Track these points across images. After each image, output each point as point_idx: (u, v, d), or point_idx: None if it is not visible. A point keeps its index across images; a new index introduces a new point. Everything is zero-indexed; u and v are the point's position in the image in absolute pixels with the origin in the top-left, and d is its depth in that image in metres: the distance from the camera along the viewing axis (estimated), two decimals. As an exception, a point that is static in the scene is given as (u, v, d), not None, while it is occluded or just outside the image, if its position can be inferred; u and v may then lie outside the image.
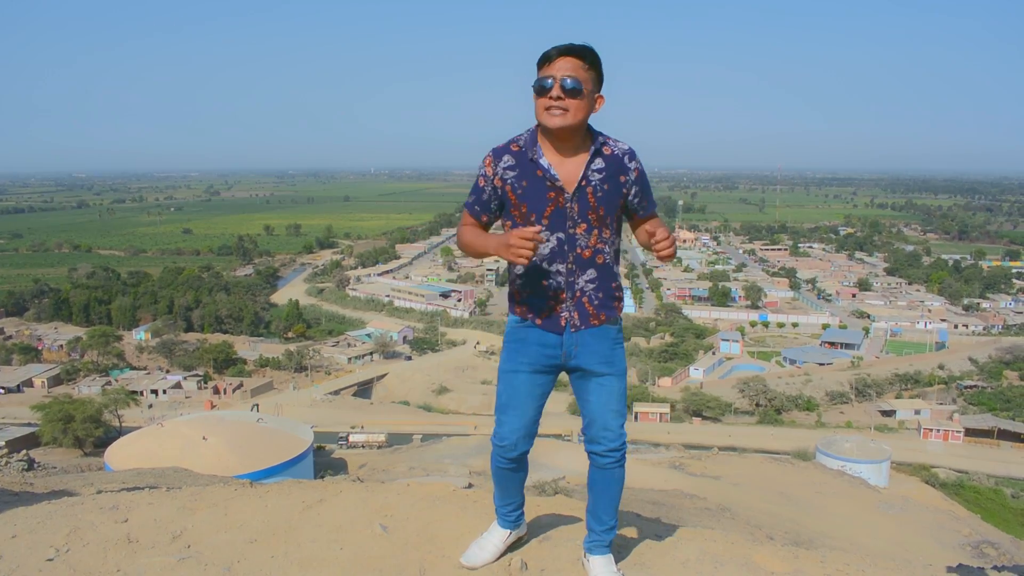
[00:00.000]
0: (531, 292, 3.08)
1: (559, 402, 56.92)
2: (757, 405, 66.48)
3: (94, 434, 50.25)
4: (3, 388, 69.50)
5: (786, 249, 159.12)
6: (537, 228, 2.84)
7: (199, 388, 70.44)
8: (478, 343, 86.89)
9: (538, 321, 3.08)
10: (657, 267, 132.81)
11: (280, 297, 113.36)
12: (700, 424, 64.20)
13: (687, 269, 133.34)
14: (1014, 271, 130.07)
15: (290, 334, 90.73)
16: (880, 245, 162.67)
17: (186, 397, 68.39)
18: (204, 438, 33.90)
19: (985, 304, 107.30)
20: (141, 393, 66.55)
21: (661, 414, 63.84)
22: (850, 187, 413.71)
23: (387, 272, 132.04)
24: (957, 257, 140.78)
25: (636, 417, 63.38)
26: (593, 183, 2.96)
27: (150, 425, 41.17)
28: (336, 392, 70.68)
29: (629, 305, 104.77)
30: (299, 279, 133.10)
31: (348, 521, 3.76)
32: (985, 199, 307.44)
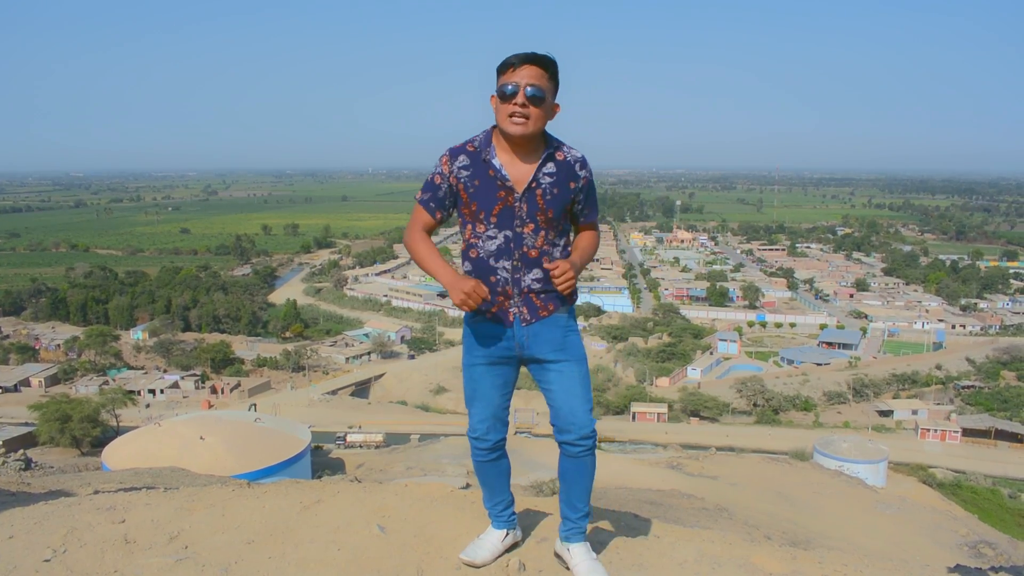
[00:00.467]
0: None
1: (557, 402, 56.84)
2: (755, 405, 66.51)
3: (91, 434, 50.17)
4: (0, 387, 69.40)
5: (784, 249, 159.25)
6: (486, 292, 2.99)
7: (196, 388, 70.37)
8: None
9: (488, 315, 3.16)
10: (655, 267, 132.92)
11: (278, 297, 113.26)
12: (698, 424, 64.22)
13: (685, 269, 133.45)
14: (1011, 271, 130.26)
15: (288, 334, 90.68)
16: (878, 245, 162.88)
17: (183, 397, 68.32)
18: (201, 438, 33.82)
19: (982, 304, 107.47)
20: (138, 393, 66.51)
21: (659, 414, 63.84)
22: (848, 187, 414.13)
23: (385, 272, 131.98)
24: (955, 257, 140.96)
25: (634, 417, 63.45)
26: (543, 185, 3.05)
27: (147, 425, 41.08)
28: (334, 392, 70.63)
29: (627, 305, 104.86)
30: (297, 279, 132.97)
31: (346, 521, 3.76)
32: (983, 199, 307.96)
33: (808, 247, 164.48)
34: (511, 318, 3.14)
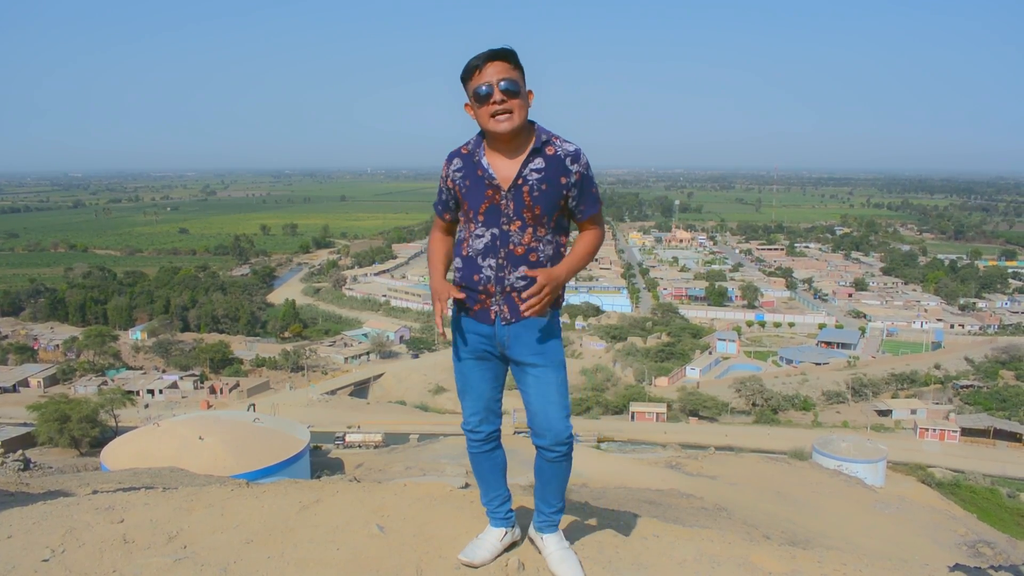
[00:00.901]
0: (466, 283, 3.18)
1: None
2: (753, 405, 66.50)
3: (90, 434, 50.12)
4: (-1, 388, 69.38)
5: (782, 249, 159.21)
6: (443, 324, 3.10)
7: (195, 388, 70.29)
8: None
9: (471, 313, 3.20)
10: (654, 267, 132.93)
11: (277, 297, 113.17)
12: (697, 424, 64.20)
13: (683, 269, 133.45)
14: (1010, 271, 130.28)
15: (287, 334, 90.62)
16: (876, 245, 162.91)
17: (182, 397, 68.24)
18: (200, 438, 33.78)
19: (981, 304, 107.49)
20: (137, 393, 66.44)
21: (658, 414, 63.81)
22: (846, 187, 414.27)
23: (384, 272, 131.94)
24: (953, 257, 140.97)
25: (633, 417, 63.40)
26: (530, 182, 3.03)
27: (146, 425, 41.00)
28: (333, 392, 70.56)
29: (626, 305, 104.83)
30: (296, 279, 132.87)
31: (345, 521, 3.76)
32: (981, 199, 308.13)
33: (807, 247, 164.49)
34: (492, 316, 3.14)
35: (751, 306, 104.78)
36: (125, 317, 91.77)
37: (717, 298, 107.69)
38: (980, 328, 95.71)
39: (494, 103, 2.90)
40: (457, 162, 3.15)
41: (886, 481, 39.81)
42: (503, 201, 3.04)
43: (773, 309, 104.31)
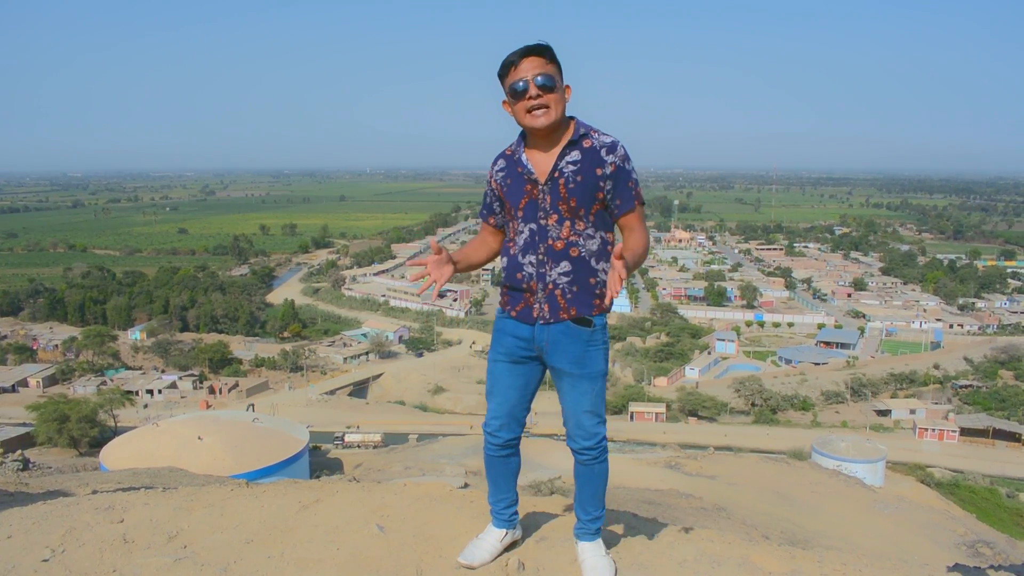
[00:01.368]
0: (510, 283, 3.19)
1: (554, 402, 56.63)
2: (753, 405, 66.52)
3: (89, 434, 50.07)
4: (-2, 388, 69.30)
5: (782, 249, 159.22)
6: (420, 271, 3.07)
7: (195, 388, 70.26)
8: (474, 343, 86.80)
9: (513, 312, 3.18)
10: (653, 267, 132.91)
11: (276, 297, 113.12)
12: (696, 424, 64.23)
13: (683, 269, 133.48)
14: (1009, 271, 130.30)
15: (286, 334, 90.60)
16: (876, 245, 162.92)
17: (181, 397, 68.21)
18: (199, 438, 33.79)
19: (980, 304, 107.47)
20: (136, 393, 66.40)
21: (657, 414, 63.84)
22: (845, 187, 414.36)
23: (383, 272, 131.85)
24: (952, 257, 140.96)
25: (632, 417, 63.39)
26: (565, 174, 3.01)
27: (145, 425, 41.01)
28: (332, 392, 70.57)
29: (625, 305, 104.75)
30: (295, 279, 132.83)
31: (345, 521, 3.76)
32: (980, 199, 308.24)
33: (806, 247, 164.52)
34: (534, 315, 3.12)
35: (750, 306, 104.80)
36: (124, 317, 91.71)
37: (716, 298, 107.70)
38: (979, 328, 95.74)
39: (530, 98, 2.91)
40: (501, 163, 3.19)
41: (885, 481, 39.86)
42: (540, 195, 3.04)
43: (772, 309, 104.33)
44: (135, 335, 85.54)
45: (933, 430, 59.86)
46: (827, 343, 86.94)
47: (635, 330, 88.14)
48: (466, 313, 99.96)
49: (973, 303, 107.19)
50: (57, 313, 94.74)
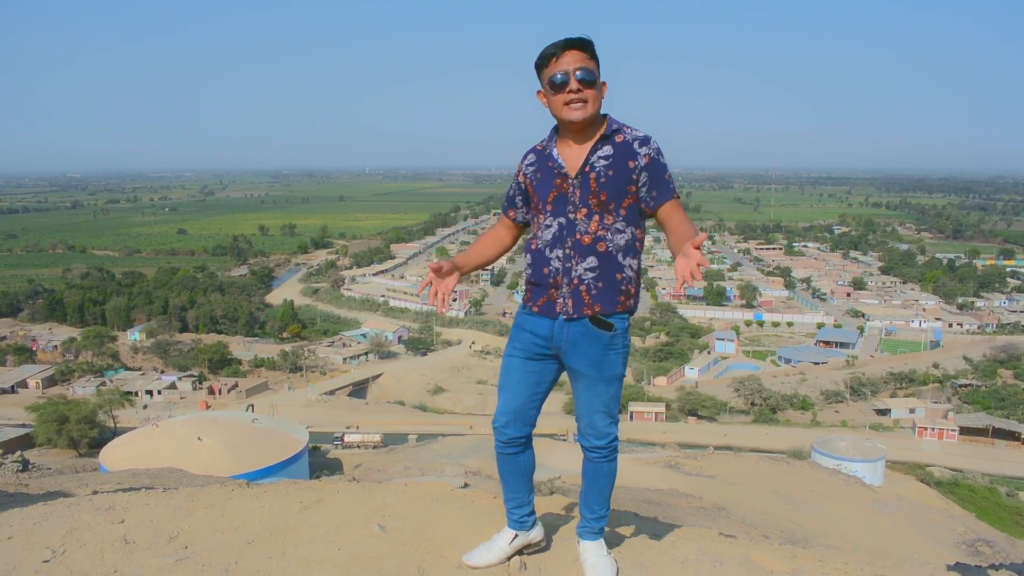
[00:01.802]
0: (534, 279, 3.16)
1: (554, 401, 56.91)
2: (752, 404, 66.54)
3: (89, 435, 49.99)
4: (-3, 389, 69.27)
5: (781, 248, 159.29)
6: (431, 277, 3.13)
7: (194, 388, 70.26)
8: (473, 343, 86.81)
9: (535, 308, 3.16)
10: (652, 266, 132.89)
11: (275, 297, 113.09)
12: (695, 423, 64.25)
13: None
14: (1008, 270, 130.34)
15: (285, 334, 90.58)
16: (875, 244, 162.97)
17: (181, 398, 68.20)
18: (199, 438, 33.76)
19: (979, 303, 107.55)
20: (136, 394, 66.39)
21: (656, 413, 63.86)
22: (845, 186, 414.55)
23: (382, 272, 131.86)
24: (952, 256, 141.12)
25: (631, 417, 63.37)
26: (597, 168, 3.00)
27: (145, 426, 41.00)
28: (331, 392, 70.55)
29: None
30: (294, 279, 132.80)
31: (346, 521, 3.75)
32: (980, 198, 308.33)
33: (805, 246, 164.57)
34: (557, 309, 3.09)
35: (750, 306, 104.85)
36: (123, 318, 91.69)
37: (716, 298, 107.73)
38: (978, 327, 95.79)
39: (569, 91, 2.90)
40: (531, 157, 3.18)
41: (885, 480, 39.85)
42: (570, 189, 3.03)
43: (772, 309, 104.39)
44: (134, 336, 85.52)
45: (932, 429, 59.88)
46: (826, 342, 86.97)
47: (635, 330, 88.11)
48: (466, 313, 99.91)
49: (972, 302, 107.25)
50: (56, 314, 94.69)
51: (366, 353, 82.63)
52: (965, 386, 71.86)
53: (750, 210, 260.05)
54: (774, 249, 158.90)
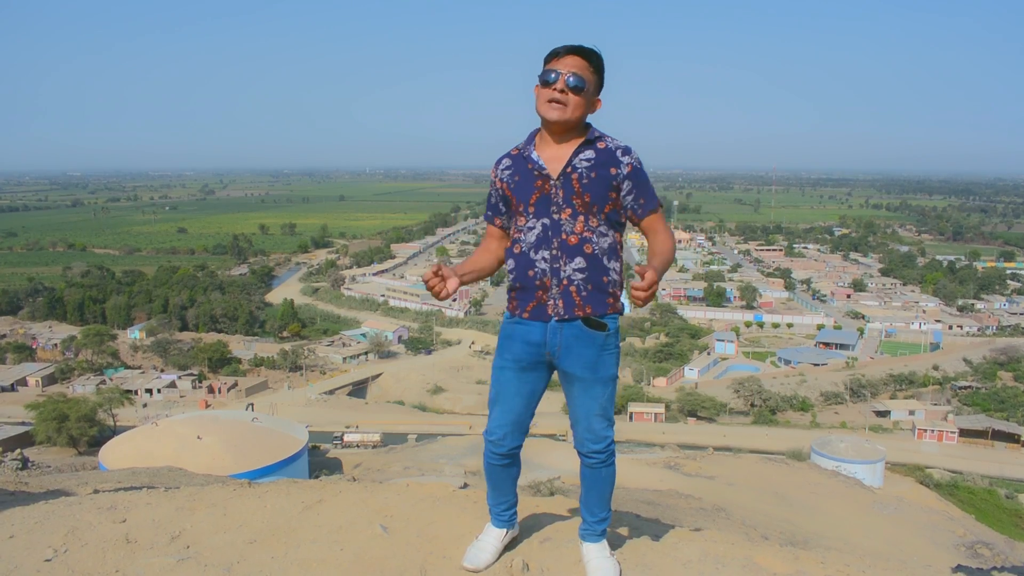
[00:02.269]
0: (520, 283, 3.13)
1: (553, 402, 56.81)
2: (752, 405, 66.53)
3: (88, 433, 50.04)
4: (-3, 387, 69.26)
5: (781, 249, 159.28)
6: (431, 273, 3.00)
7: (194, 387, 70.23)
8: (473, 343, 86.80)
9: (524, 314, 3.13)
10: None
11: (275, 296, 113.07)
12: (695, 424, 64.23)
13: (682, 269, 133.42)
14: (1008, 272, 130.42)
15: (285, 333, 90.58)
16: (875, 246, 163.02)
17: (181, 396, 68.17)
18: (199, 437, 33.80)
19: (979, 305, 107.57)
20: (136, 392, 66.36)
21: (656, 414, 63.83)
22: (845, 188, 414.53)
23: (382, 272, 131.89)
24: (952, 258, 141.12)
25: (631, 417, 63.36)
26: (579, 169, 3.02)
27: (144, 424, 41.01)
28: (331, 392, 70.55)
29: (624, 305, 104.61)
30: (294, 278, 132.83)
31: (348, 521, 3.75)
32: (980, 200, 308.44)
33: (805, 247, 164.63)
34: (549, 312, 3.08)
35: (749, 307, 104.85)
36: (123, 316, 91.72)
37: (715, 299, 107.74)
38: (978, 329, 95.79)
39: (554, 90, 2.93)
40: (506, 162, 3.18)
41: (884, 482, 39.89)
42: (553, 189, 3.03)
43: (771, 310, 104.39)
44: (134, 334, 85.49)
45: (932, 431, 59.88)
46: (826, 344, 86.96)
47: (634, 330, 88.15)
48: (465, 313, 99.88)
49: (972, 304, 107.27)
50: (56, 312, 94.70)
51: (366, 353, 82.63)
52: (965, 388, 71.85)
53: (750, 211, 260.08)
54: (774, 250, 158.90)
